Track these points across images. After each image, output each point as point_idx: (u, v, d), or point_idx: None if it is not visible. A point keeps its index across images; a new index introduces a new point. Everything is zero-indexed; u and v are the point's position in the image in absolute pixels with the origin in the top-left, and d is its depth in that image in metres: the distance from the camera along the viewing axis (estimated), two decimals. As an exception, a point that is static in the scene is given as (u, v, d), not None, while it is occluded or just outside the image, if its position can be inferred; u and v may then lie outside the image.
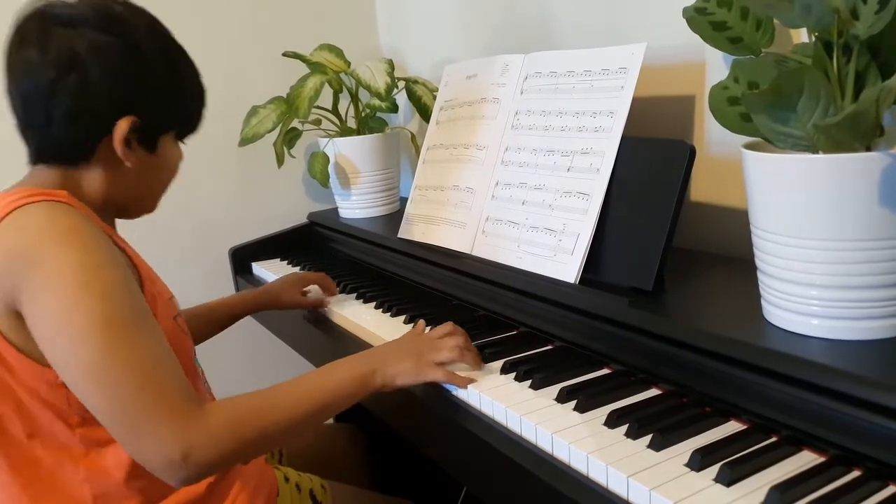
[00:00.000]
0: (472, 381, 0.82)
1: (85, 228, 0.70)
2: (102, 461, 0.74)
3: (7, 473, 0.74)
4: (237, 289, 1.56)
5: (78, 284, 0.66)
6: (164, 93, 0.79)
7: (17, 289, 0.67)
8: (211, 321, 1.11)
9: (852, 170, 0.59)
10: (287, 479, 0.93)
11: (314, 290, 1.21)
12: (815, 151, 0.64)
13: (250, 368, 1.65)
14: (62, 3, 0.75)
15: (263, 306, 1.17)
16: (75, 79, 0.72)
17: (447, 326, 0.87)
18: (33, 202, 0.70)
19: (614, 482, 0.62)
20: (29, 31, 0.74)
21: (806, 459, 0.62)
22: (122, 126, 0.75)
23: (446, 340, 0.85)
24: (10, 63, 0.75)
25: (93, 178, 0.78)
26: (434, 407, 0.83)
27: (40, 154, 0.78)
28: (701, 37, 0.79)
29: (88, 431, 0.73)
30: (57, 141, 0.76)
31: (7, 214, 0.69)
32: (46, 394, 0.71)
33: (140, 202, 0.85)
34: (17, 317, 0.69)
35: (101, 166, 0.77)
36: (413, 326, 1.01)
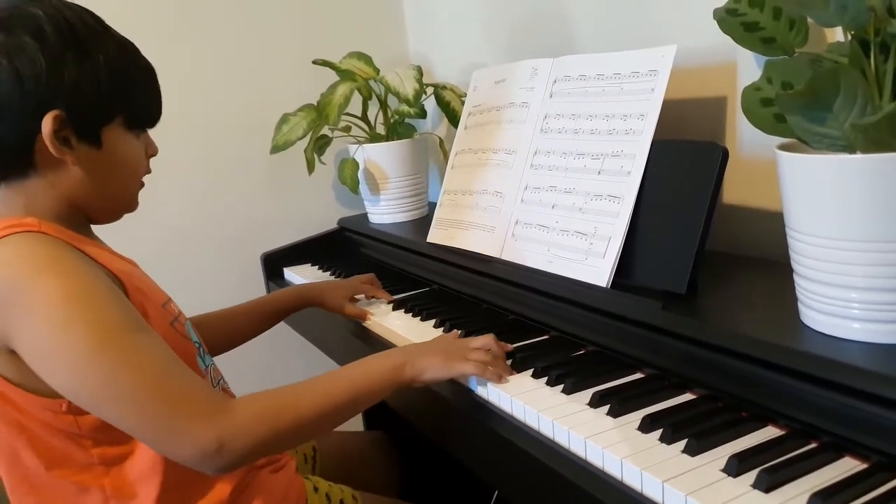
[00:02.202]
0: (502, 374, 0.82)
1: (60, 254, 0.69)
2: (124, 476, 0.75)
3: None
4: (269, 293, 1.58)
5: (65, 312, 0.65)
6: (87, 82, 0.73)
7: (4, 328, 0.66)
8: (255, 319, 1.11)
9: (892, 169, 0.58)
10: (317, 490, 0.93)
11: (361, 301, 1.20)
12: (852, 151, 0.63)
13: (272, 370, 1.67)
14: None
15: (307, 302, 1.15)
16: None
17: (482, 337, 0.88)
18: (4, 236, 0.69)
19: (649, 487, 0.61)
20: None
21: (848, 466, 0.60)
22: (47, 122, 0.71)
23: (475, 340, 0.86)
24: None
25: (49, 187, 0.74)
26: (465, 412, 0.83)
27: None
28: (732, 38, 0.78)
29: (104, 451, 0.73)
30: None
31: None
32: (55, 422, 0.71)
33: (108, 204, 0.81)
34: (10, 353, 0.68)
35: (51, 171, 0.74)
36: (443, 331, 1.02)
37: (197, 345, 0.85)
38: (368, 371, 0.79)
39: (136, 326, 0.69)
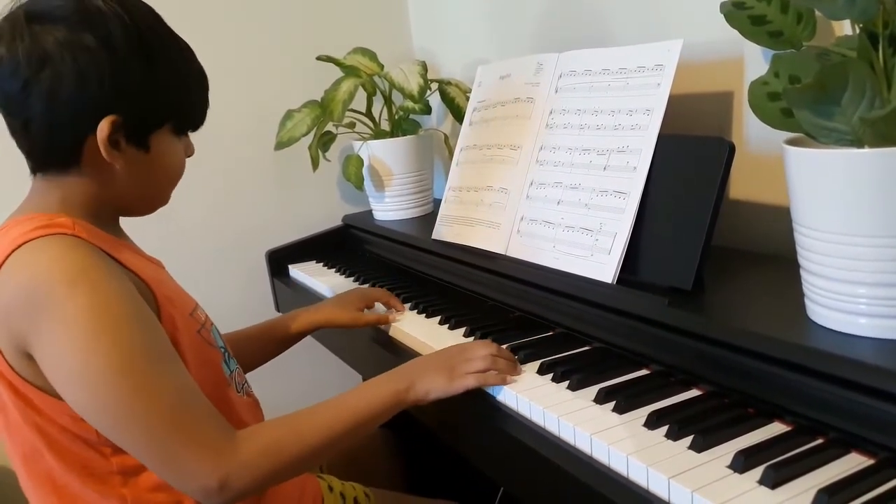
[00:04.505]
0: (505, 379, 0.82)
1: (93, 264, 0.68)
2: (141, 486, 0.74)
3: None
4: (274, 291, 1.58)
5: (91, 329, 0.65)
6: (148, 88, 0.73)
7: (26, 332, 0.66)
8: (265, 344, 1.07)
9: (900, 164, 0.58)
10: (331, 489, 0.93)
11: (377, 306, 1.15)
12: (860, 146, 0.62)
13: (286, 376, 1.67)
14: None
15: (319, 326, 1.09)
16: (47, 79, 0.68)
17: (480, 342, 0.87)
18: (39, 237, 0.68)
19: (655, 484, 0.61)
20: (4, 28, 0.70)
21: (854, 462, 0.60)
22: (104, 127, 0.70)
23: (477, 349, 0.83)
24: None
25: (87, 184, 0.74)
26: (472, 409, 0.83)
27: (32, 161, 0.75)
28: (739, 32, 0.77)
29: (123, 459, 0.72)
30: (40, 145, 0.73)
31: (12, 252, 0.67)
32: (74, 427, 0.70)
33: (145, 201, 0.81)
34: (30, 357, 0.68)
35: (94, 170, 0.73)
36: (448, 327, 1.02)
37: (222, 349, 0.84)
38: (371, 398, 0.78)
39: (158, 353, 0.69)
